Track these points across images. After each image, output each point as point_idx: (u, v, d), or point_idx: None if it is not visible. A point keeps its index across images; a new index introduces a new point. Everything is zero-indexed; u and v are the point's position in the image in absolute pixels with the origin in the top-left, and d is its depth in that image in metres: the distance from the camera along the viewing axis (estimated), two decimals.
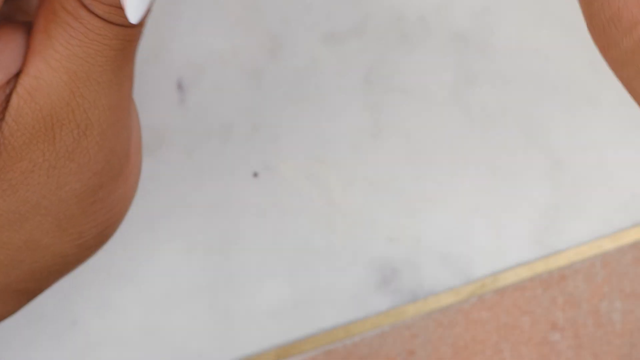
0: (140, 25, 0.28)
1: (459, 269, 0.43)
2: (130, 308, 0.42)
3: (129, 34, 0.27)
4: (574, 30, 0.44)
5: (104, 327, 0.42)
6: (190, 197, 0.43)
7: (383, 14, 0.43)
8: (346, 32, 0.43)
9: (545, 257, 0.43)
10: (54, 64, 0.27)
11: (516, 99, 0.44)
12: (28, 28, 0.28)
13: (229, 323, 0.42)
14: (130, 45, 0.28)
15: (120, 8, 0.27)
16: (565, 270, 0.42)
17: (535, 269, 0.42)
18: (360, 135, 0.43)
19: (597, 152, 0.44)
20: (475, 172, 0.43)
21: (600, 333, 0.42)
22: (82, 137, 0.27)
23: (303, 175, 0.43)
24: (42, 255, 0.29)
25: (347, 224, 0.43)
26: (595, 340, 0.42)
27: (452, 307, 0.42)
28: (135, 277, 0.42)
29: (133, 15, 0.26)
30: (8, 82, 0.27)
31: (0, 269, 0.29)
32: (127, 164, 0.30)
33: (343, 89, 0.43)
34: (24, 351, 0.42)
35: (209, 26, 0.43)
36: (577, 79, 0.44)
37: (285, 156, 0.43)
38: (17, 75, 0.27)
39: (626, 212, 0.43)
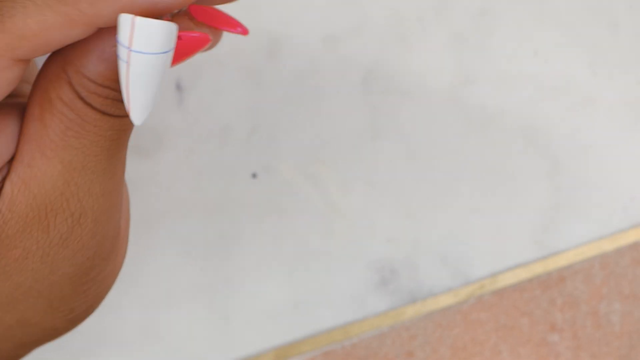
0: None
1: (458, 270, 0.43)
2: (129, 309, 0.42)
3: (123, 124, 0.27)
4: (572, 31, 0.44)
5: (103, 328, 0.42)
6: (189, 198, 0.43)
7: (382, 15, 0.43)
8: (345, 33, 0.43)
9: (544, 258, 0.43)
10: (49, 154, 0.27)
11: (515, 100, 0.44)
12: (20, 112, 0.28)
13: (228, 324, 0.42)
14: (125, 134, 0.28)
15: (116, 100, 0.26)
16: (564, 272, 0.42)
17: (534, 270, 0.42)
18: (359, 136, 0.43)
19: (595, 153, 0.44)
20: (474, 173, 0.43)
21: (599, 334, 0.42)
22: (76, 225, 0.27)
23: (302, 176, 0.43)
24: (33, 331, 0.29)
25: (346, 225, 0.43)
26: (594, 342, 0.42)
27: (451, 308, 0.42)
28: (135, 278, 0.42)
29: (138, 117, 0.26)
30: (0, 170, 0.27)
31: None
32: (117, 242, 0.30)
33: (342, 90, 0.43)
34: None
35: None
36: (576, 80, 0.44)
37: (284, 157, 0.43)
38: (9, 162, 0.27)
39: (625, 213, 0.43)
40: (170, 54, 0.25)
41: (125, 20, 0.24)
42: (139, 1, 0.24)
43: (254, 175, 0.43)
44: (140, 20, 0.24)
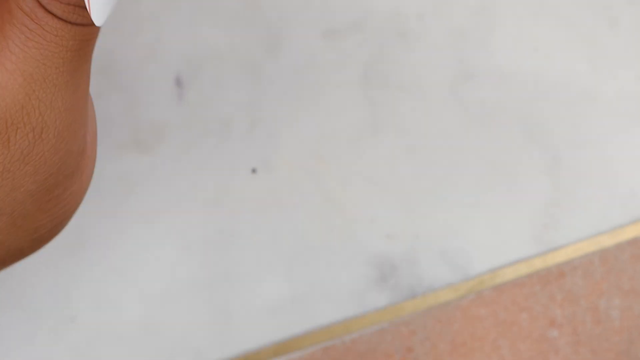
0: None
1: (458, 266, 0.43)
2: (128, 304, 0.42)
3: (87, 34, 0.26)
4: (572, 27, 0.44)
5: (102, 323, 0.42)
6: (189, 193, 0.42)
7: (382, 10, 0.43)
8: (345, 29, 0.43)
9: (543, 254, 0.43)
10: (9, 66, 0.26)
11: (515, 95, 0.44)
12: None
13: (227, 319, 0.42)
14: (88, 45, 0.27)
15: (79, 7, 0.26)
16: (563, 267, 0.42)
17: (533, 265, 0.42)
18: (359, 132, 0.43)
19: (595, 148, 0.44)
20: (473, 168, 0.43)
21: (598, 330, 0.42)
22: (38, 141, 0.27)
23: (301, 171, 0.43)
24: None
25: (345, 220, 0.43)
26: (594, 337, 0.42)
27: (450, 303, 0.42)
28: (134, 273, 0.42)
29: (98, 16, 0.25)
30: None
31: None
32: (83, 159, 0.29)
33: (341, 85, 0.43)
34: (22, 348, 0.42)
35: (207, 22, 0.43)
36: (576, 76, 0.44)
37: (283, 152, 0.43)
38: None
39: (625, 208, 0.43)
40: None
41: None
42: None
43: (254, 171, 0.43)
44: None
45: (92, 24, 0.26)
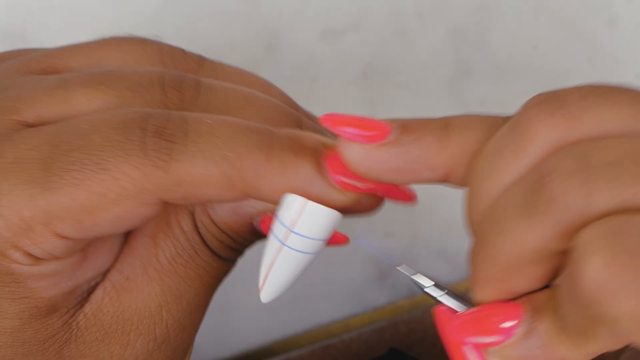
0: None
1: (456, 264, 0.43)
2: None
3: (229, 267, 0.27)
4: (570, 25, 0.44)
5: None
6: None
7: (380, 9, 0.43)
8: (344, 28, 0.43)
9: None
10: (152, 274, 0.26)
11: (513, 93, 0.44)
12: None
13: (227, 318, 0.42)
14: (224, 276, 0.28)
15: (230, 248, 0.26)
16: None
17: None
18: None
19: None
20: None
21: None
22: (156, 351, 0.27)
23: None
24: None
25: (344, 219, 0.43)
26: None
27: None
28: None
29: (267, 297, 0.25)
30: (95, 277, 0.26)
31: None
32: None
33: (341, 83, 0.43)
34: None
35: (206, 21, 0.43)
36: (574, 74, 0.44)
37: None
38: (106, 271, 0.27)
39: None
40: (324, 243, 0.24)
41: (296, 202, 0.23)
42: (310, 190, 0.24)
43: None
44: (312, 205, 0.23)
45: (236, 259, 0.27)
